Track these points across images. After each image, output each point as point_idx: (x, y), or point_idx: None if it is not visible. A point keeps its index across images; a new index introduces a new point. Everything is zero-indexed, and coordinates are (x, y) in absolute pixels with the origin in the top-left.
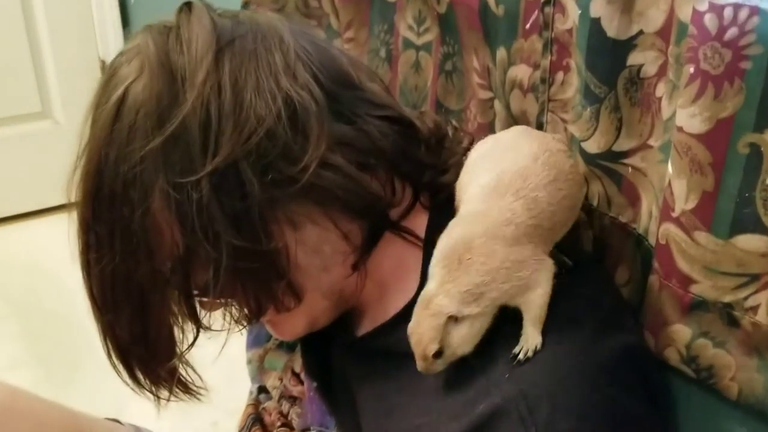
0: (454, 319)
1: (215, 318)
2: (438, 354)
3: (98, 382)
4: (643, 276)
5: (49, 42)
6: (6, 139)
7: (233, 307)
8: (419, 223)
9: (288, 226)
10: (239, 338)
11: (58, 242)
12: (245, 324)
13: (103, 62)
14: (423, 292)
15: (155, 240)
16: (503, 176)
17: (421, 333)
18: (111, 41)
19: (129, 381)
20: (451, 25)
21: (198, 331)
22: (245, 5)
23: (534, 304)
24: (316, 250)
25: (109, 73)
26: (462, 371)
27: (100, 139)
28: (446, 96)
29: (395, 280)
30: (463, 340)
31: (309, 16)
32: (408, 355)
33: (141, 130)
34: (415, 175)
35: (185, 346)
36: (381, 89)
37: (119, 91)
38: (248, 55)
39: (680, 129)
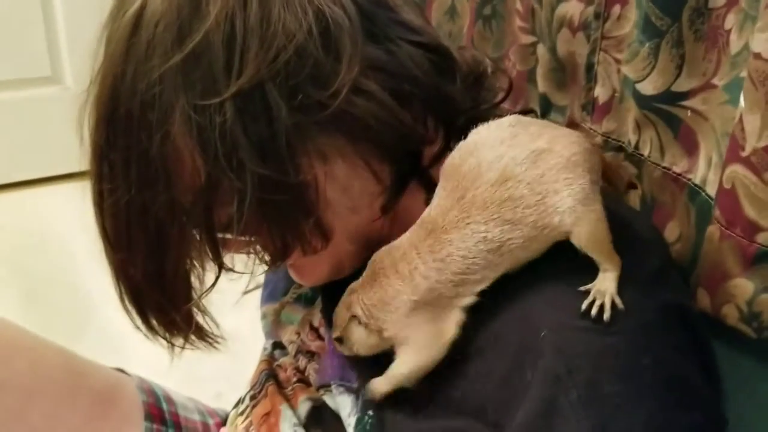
0: (356, 320)
1: (238, 259)
2: (339, 340)
3: (99, 347)
4: (698, 231)
5: (62, 4)
6: (14, 102)
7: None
8: None
9: (317, 159)
10: (247, 310)
11: (64, 210)
12: (269, 265)
13: None
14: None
15: (175, 168)
16: (476, 197)
17: (336, 315)
18: None
19: (142, 326)
20: None
21: (220, 271)
22: None
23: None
24: (346, 187)
25: None
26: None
27: (116, 56)
28: (483, 43)
29: None
30: (360, 343)
31: None
32: None
33: (160, 46)
34: (449, 115)
35: (204, 289)
36: (418, 14)
37: (137, 3)
38: None
39: (757, 56)
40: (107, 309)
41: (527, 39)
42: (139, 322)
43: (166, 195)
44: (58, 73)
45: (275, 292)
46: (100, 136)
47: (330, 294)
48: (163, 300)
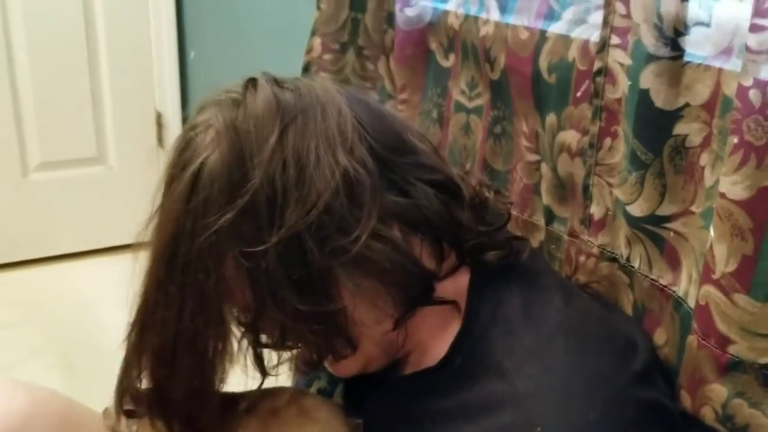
0: None
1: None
2: None
3: None
4: (681, 337)
5: (110, 91)
6: (62, 180)
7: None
8: (461, 281)
9: (345, 291)
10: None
11: (102, 281)
12: (305, 369)
13: (158, 114)
14: None
15: (226, 302)
16: None
17: None
18: (168, 94)
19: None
20: (503, 91)
21: (263, 379)
22: (306, 67)
23: None
24: (371, 307)
25: (183, 144)
26: (495, 412)
27: (177, 210)
28: (494, 157)
29: (436, 333)
30: None
31: (365, 79)
32: (443, 401)
33: (215, 204)
34: (458, 237)
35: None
36: (430, 150)
37: (195, 165)
38: (309, 131)
39: (723, 195)
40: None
41: (532, 157)
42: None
43: (217, 323)
44: (103, 154)
45: (300, 383)
46: (160, 272)
47: (352, 384)
48: (197, 409)
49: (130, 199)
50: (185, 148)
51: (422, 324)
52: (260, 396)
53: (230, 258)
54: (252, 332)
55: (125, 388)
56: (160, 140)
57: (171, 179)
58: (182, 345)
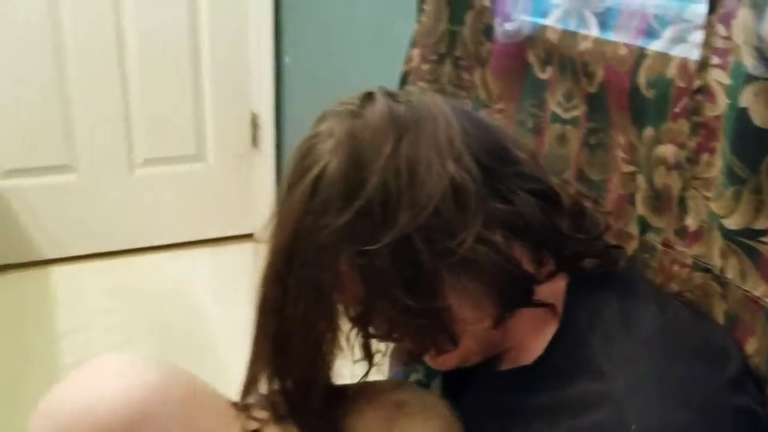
0: None
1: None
2: None
3: None
4: None
5: (210, 94)
6: (164, 176)
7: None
8: (559, 286)
9: (450, 289)
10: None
11: (198, 272)
12: (408, 360)
13: (254, 115)
14: None
15: (339, 295)
16: None
17: None
18: (263, 97)
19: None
20: (600, 104)
21: (370, 368)
22: (404, 76)
23: None
24: (473, 306)
25: (305, 151)
26: (591, 411)
27: (298, 210)
28: (589, 167)
29: (533, 333)
30: None
31: (460, 88)
32: (539, 398)
33: (333, 206)
34: (557, 245)
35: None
36: (531, 160)
37: (316, 170)
38: (421, 141)
39: None
40: (233, 369)
41: (628, 168)
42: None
43: (329, 315)
44: (202, 152)
45: (397, 376)
46: (280, 265)
47: (449, 378)
48: (304, 398)
49: (226, 195)
50: (307, 154)
51: (520, 324)
52: (368, 388)
53: (345, 255)
54: (362, 324)
55: (253, 375)
56: (255, 140)
57: (293, 183)
58: (297, 333)
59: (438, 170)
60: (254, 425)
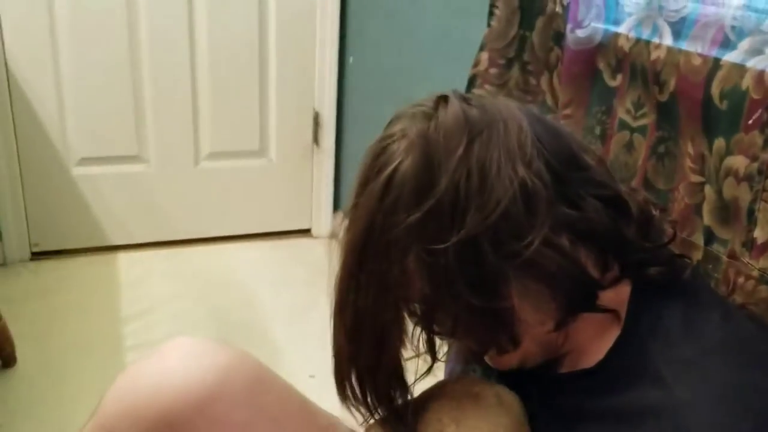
0: None
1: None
2: None
3: None
4: None
5: (275, 92)
6: (228, 170)
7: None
8: (623, 293)
9: (514, 291)
10: None
11: (261, 264)
12: (470, 358)
13: (316, 113)
14: None
15: (406, 290)
16: None
17: None
18: (326, 96)
19: (353, 403)
20: (671, 113)
21: (433, 363)
22: (472, 79)
23: None
24: (537, 309)
25: (379, 150)
26: (651, 418)
27: (371, 207)
28: (655, 176)
29: (594, 338)
30: None
31: (527, 93)
32: (598, 402)
33: (404, 204)
34: (624, 252)
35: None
36: (600, 167)
37: (389, 169)
38: (492, 145)
39: None
40: (286, 358)
41: (696, 178)
42: (352, 400)
43: (394, 308)
44: (265, 147)
45: (453, 371)
46: (353, 260)
47: (507, 377)
48: (375, 385)
49: (286, 190)
50: (381, 153)
51: (582, 328)
52: (445, 383)
53: (414, 253)
54: (427, 321)
55: (341, 371)
56: (316, 138)
57: (366, 180)
58: (366, 325)
59: (508, 174)
60: None
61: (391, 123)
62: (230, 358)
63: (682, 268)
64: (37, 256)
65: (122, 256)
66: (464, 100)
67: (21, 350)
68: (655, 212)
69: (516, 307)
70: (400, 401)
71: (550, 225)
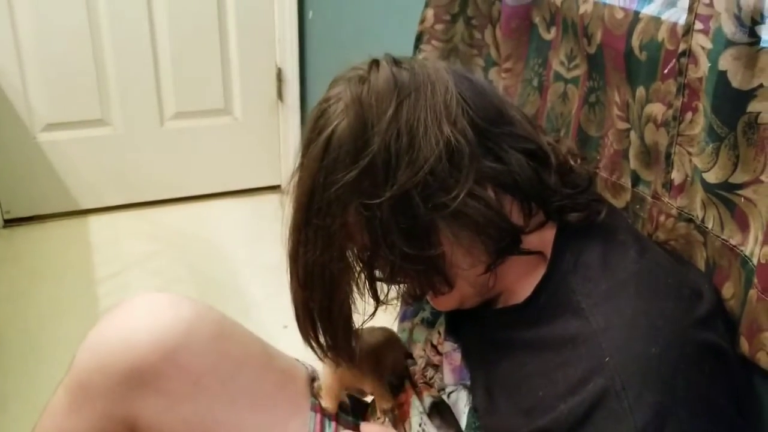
0: None
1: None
2: None
3: None
4: (746, 292)
5: (236, 50)
6: (194, 129)
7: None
8: (547, 236)
9: (445, 239)
10: None
11: (231, 222)
12: (410, 301)
13: (279, 70)
14: None
15: (348, 242)
16: None
17: None
18: (288, 52)
19: (314, 346)
20: (599, 64)
21: (377, 306)
22: (419, 36)
23: None
24: (466, 254)
25: (319, 113)
26: (571, 345)
27: (313, 167)
28: (588, 124)
29: (523, 277)
30: None
31: (472, 47)
32: (526, 332)
33: (342, 164)
34: (546, 198)
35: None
36: (525, 121)
37: (327, 131)
38: (420, 106)
39: None
40: (261, 310)
41: (623, 125)
42: (312, 342)
43: (339, 258)
44: (230, 106)
45: (407, 313)
46: (300, 217)
47: (451, 315)
48: (329, 326)
49: (253, 147)
50: (320, 116)
51: (511, 269)
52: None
53: (353, 207)
54: (368, 268)
55: (298, 315)
56: (280, 94)
57: (309, 142)
58: (315, 274)
59: (435, 133)
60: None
61: (330, 86)
62: (194, 309)
63: (599, 210)
64: (9, 223)
65: (93, 219)
66: (395, 63)
67: None
68: (576, 162)
69: (447, 253)
70: (350, 340)
71: (475, 178)
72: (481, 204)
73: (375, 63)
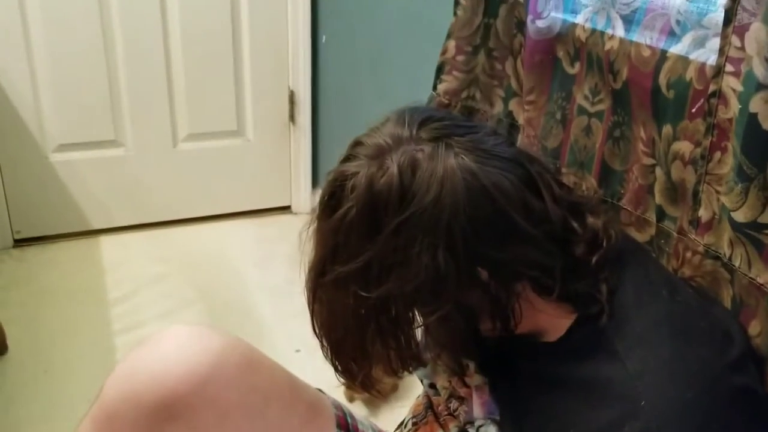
0: None
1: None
2: None
3: None
4: None
5: (250, 72)
6: (206, 151)
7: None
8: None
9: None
10: None
11: (242, 243)
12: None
13: (292, 92)
14: None
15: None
16: None
17: None
18: (301, 75)
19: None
20: (624, 100)
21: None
22: (441, 66)
23: None
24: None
25: (335, 187)
26: (605, 386)
27: (324, 243)
28: (612, 158)
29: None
30: None
31: (493, 77)
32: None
33: (346, 252)
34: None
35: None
36: (545, 218)
37: (340, 212)
38: (421, 228)
39: None
40: (273, 333)
41: (648, 161)
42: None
43: (351, 316)
44: (242, 127)
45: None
46: (312, 282)
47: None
48: (359, 370)
49: (265, 168)
50: (333, 194)
51: (540, 319)
52: None
53: (351, 291)
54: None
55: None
56: (292, 116)
57: (323, 210)
58: (334, 325)
59: (426, 259)
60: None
61: (349, 150)
62: (222, 342)
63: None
64: (20, 243)
65: (104, 240)
66: (413, 163)
67: (11, 337)
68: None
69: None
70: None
71: (455, 301)
72: (453, 326)
73: (396, 141)
